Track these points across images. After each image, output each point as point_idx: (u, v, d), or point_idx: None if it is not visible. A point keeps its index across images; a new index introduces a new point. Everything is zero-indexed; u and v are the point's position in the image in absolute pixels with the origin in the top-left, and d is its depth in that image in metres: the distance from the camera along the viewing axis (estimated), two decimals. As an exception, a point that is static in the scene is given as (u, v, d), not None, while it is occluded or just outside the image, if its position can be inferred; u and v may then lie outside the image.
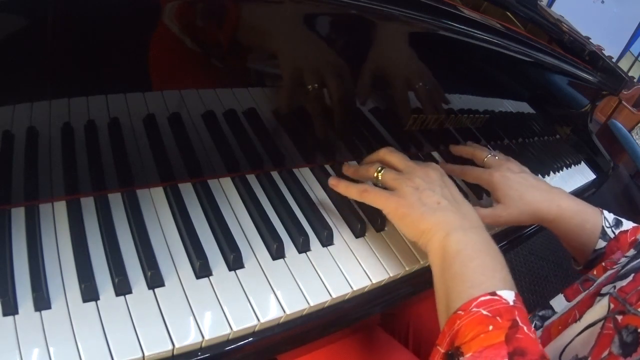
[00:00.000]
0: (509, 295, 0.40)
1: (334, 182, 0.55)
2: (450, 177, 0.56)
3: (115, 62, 0.42)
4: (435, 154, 0.78)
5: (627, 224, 0.64)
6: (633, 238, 0.62)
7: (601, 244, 0.62)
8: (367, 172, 0.55)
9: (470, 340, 0.38)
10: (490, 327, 0.38)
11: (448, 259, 0.45)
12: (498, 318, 0.38)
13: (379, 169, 0.53)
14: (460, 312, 0.40)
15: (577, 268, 0.68)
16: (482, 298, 0.40)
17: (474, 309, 0.39)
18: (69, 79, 0.40)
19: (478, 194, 0.72)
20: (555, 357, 0.45)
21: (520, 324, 0.38)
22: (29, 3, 0.34)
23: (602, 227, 0.62)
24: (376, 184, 0.55)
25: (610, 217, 0.63)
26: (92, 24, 0.38)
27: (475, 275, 0.42)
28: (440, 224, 0.47)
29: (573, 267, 0.70)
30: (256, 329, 0.42)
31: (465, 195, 0.69)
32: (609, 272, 0.51)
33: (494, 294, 0.40)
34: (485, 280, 0.42)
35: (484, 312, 0.39)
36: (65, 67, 0.39)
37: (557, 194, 0.63)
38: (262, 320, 0.42)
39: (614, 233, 0.62)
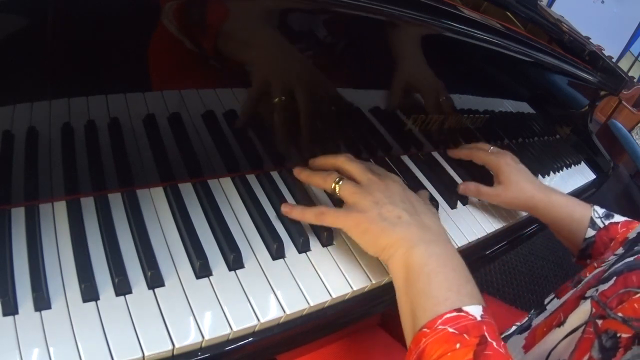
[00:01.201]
0: (476, 311, 0.39)
1: (286, 210, 0.51)
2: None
3: (115, 62, 0.42)
4: (435, 154, 0.78)
5: (619, 217, 0.65)
6: (624, 229, 0.62)
7: (590, 232, 0.64)
8: (324, 182, 0.53)
9: (437, 359, 0.37)
10: (458, 345, 0.36)
11: (412, 275, 0.44)
12: (465, 335, 0.37)
13: (337, 179, 0.51)
14: (425, 329, 0.39)
15: (574, 259, 0.70)
16: (448, 315, 0.39)
17: (440, 327, 0.38)
18: (69, 79, 0.40)
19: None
20: None
21: (489, 339, 0.37)
22: (29, 3, 0.34)
23: (591, 217, 0.65)
24: (332, 195, 0.53)
25: (600, 210, 0.66)
26: (92, 24, 0.38)
27: (440, 291, 0.41)
28: (401, 239, 0.46)
29: (571, 259, 0.71)
30: (256, 329, 0.42)
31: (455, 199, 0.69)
32: (596, 271, 0.51)
33: (460, 310, 0.39)
34: (451, 295, 0.41)
35: (451, 330, 0.38)
36: (65, 67, 0.39)
37: (550, 189, 0.68)
38: (262, 320, 0.42)
39: (603, 223, 0.64)
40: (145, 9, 0.40)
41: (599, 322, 0.40)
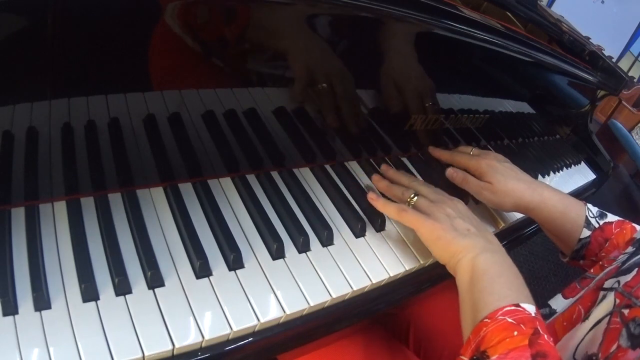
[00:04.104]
0: (531, 308, 0.43)
1: (373, 197, 0.58)
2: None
3: (115, 62, 0.42)
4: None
5: (612, 217, 0.65)
6: (618, 230, 0.62)
7: (586, 233, 0.63)
8: (402, 195, 0.58)
9: (496, 344, 0.40)
10: (515, 333, 0.40)
11: (476, 276, 0.48)
12: (522, 325, 0.41)
13: (413, 195, 0.57)
14: (486, 320, 0.43)
15: (564, 260, 0.69)
16: (508, 308, 0.43)
17: (500, 317, 0.42)
18: (69, 79, 0.40)
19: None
20: (570, 356, 0.47)
21: (541, 332, 0.41)
22: (29, 3, 0.34)
23: (586, 216, 0.64)
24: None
25: (594, 209, 0.65)
26: (92, 24, 0.38)
27: (502, 290, 0.46)
28: (470, 246, 0.51)
29: (560, 259, 0.70)
30: (256, 329, 0.42)
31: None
32: (608, 269, 0.52)
33: (517, 305, 0.43)
34: (511, 294, 0.45)
35: (509, 320, 0.41)
36: (65, 67, 0.39)
37: (540, 184, 0.66)
38: (262, 320, 0.42)
39: (598, 223, 0.64)
40: (145, 9, 0.40)
41: (625, 311, 0.42)
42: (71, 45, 0.38)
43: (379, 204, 0.57)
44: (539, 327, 0.41)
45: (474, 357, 0.41)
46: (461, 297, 0.49)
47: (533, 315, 0.42)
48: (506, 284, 0.46)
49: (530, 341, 0.39)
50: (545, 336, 0.41)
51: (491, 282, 0.47)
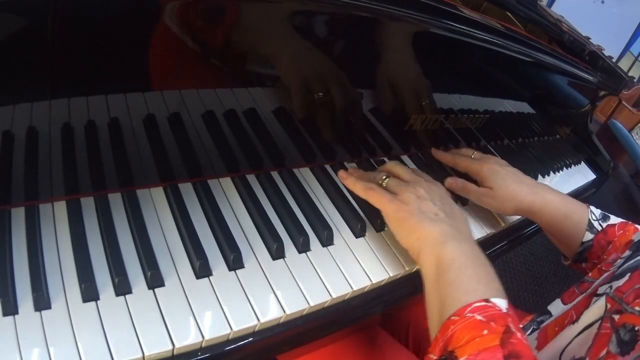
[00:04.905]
0: (502, 303, 0.41)
1: (343, 175, 0.58)
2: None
3: (115, 62, 0.42)
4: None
5: (615, 219, 0.64)
6: (621, 232, 0.62)
7: (588, 236, 0.63)
8: (374, 178, 0.57)
9: (465, 344, 0.38)
10: (485, 332, 0.38)
11: (443, 267, 0.45)
12: (492, 323, 0.39)
13: (384, 177, 0.55)
14: (454, 317, 0.40)
15: (565, 263, 0.69)
16: (477, 304, 0.40)
17: (469, 314, 0.40)
18: (69, 79, 0.40)
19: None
20: (555, 359, 0.45)
21: (514, 329, 0.39)
22: (29, 3, 0.34)
23: (589, 219, 0.63)
24: None
25: (597, 211, 0.64)
26: (92, 24, 0.38)
27: (470, 283, 0.43)
28: (435, 232, 0.48)
29: (562, 262, 0.70)
30: (256, 329, 0.42)
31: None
32: (606, 274, 0.51)
33: (487, 301, 0.41)
34: (480, 288, 0.42)
35: (479, 317, 0.39)
36: (65, 67, 0.39)
37: (542, 188, 0.65)
38: (262, 320, 0.42)
39: (601, 226, 0.63)
40: (145, 9, 0.40)
41: (616, 317, 0.41)
42: (71, 45, 0.38)
43: (349, 182, 0.56)
44: (510, 325, 0.39)
45: (442, 357, 0.39)
46: (426, 290, 0.46)
47: (504, 311, 0.40)
48: (475, 277, 0.44)
49: (502, 340, 0.37)
50: (518, 334, 0.38)
51: (459, 275, 0.44)
